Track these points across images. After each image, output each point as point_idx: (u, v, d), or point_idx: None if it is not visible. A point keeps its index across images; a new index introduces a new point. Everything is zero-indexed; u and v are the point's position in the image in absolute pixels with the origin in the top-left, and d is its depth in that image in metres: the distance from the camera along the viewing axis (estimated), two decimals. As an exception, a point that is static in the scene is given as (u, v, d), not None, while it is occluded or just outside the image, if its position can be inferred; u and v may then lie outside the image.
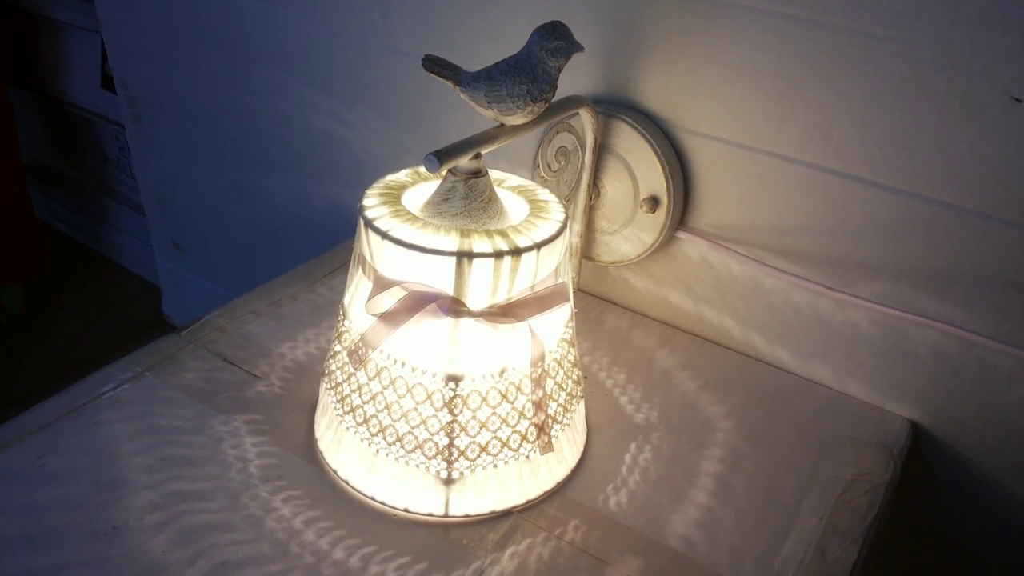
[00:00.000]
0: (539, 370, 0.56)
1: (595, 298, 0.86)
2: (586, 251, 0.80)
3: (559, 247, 0.56)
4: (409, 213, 0.55)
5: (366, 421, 0.57)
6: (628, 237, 0.77)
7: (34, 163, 1.80)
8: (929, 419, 0.72)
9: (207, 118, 1.15)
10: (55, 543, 0.53)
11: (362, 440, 0.57)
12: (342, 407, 0.58)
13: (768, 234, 0.72)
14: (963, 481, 0.73)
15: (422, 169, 0.61)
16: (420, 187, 0.60)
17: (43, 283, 1.66)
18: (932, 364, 0.69)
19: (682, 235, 0.77)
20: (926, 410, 0.71)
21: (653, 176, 0.73)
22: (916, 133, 0.62)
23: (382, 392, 0.56)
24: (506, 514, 0.59)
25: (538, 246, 0.53)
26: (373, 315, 0.54)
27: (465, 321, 0.53)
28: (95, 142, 1.62)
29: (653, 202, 0.74)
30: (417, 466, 0.56)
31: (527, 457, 0.58)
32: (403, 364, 0.55)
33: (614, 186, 0.76)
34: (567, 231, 0.57)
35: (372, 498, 0.58)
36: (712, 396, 0.72)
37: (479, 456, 0.56)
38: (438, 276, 0.52)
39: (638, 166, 0.74)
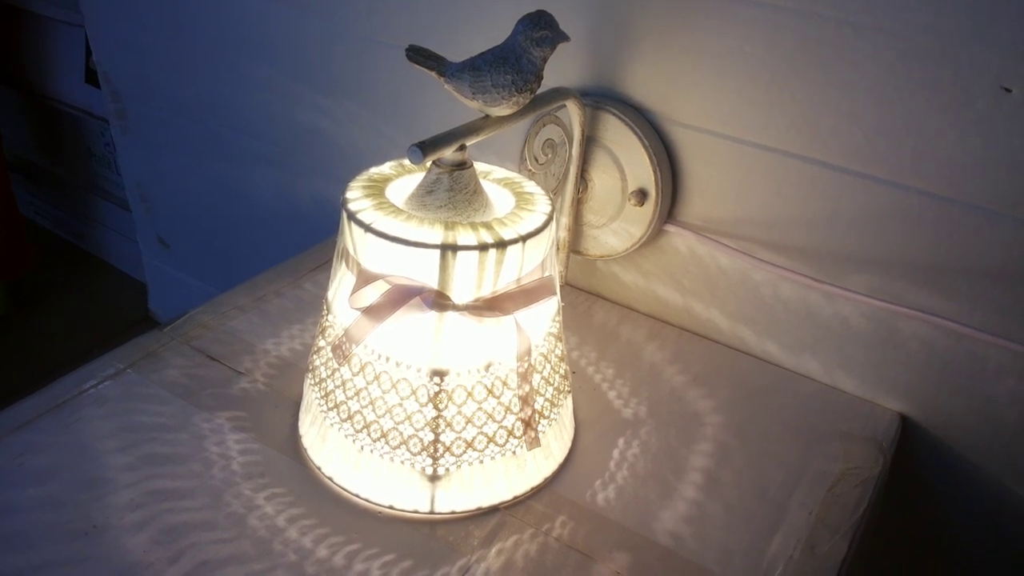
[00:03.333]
0: (525, 364, 0.55)
1: (583, 292, 0.85)
2: (574, 245, 0.80)
3: (545, 240, 0.55)
4: (393, 206, 0.54)
5: (350, 417, 0.56)
6: (616, 231, 0.76)
7: (18, 160, 1.78)
8: (918, 412, 0.71)
9: (192, 113, 1.14)
10: (33, 543, 0.52)
11: (346, 436, 0.57)
12: (326, 403, 0.58)
13: (757, 227, 0.72)
14: (952, 474, 0.73)
15: (406, 161, 0.60)
16: (404, 180, 0.59)
17: (27, 281, 1.65)
18: (922, 357, 0.69)
19: (670, 228, 0.76)
20: (915, 403, 0.71)
21: (641, 169, 0.72)
22: (905, 124, 0.62)
23: (366, 387, 0.55)
24: (493, 510, 0.58)
25: (523, 239, 0.52)
26: (356, 309, 0.53)
27: (450, 315, 0.52)
28: (79, 138, 1.60)
29: (641, 195, 0.73)
30: (402, 462, 0.56)
31: (514, 453, 0.57)
32: (387, 359, 0.54)
33: (602, 179, 0.75)
34: (553, 224, 0.56)
35: (356, 495, 0.58)
36: (701, 390, 0.72)
37: (465, 452, 0.56)
38: (422, 269, 0.51)
39: (626, 159, 0.73)
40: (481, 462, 0.56)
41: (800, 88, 0.65)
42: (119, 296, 1.66)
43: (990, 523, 0.73)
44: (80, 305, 1.64)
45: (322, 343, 0.59)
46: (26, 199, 1.84)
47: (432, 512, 0.57)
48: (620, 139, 0.72)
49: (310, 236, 0.93)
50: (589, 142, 0.74)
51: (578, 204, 0.77)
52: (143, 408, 0.63)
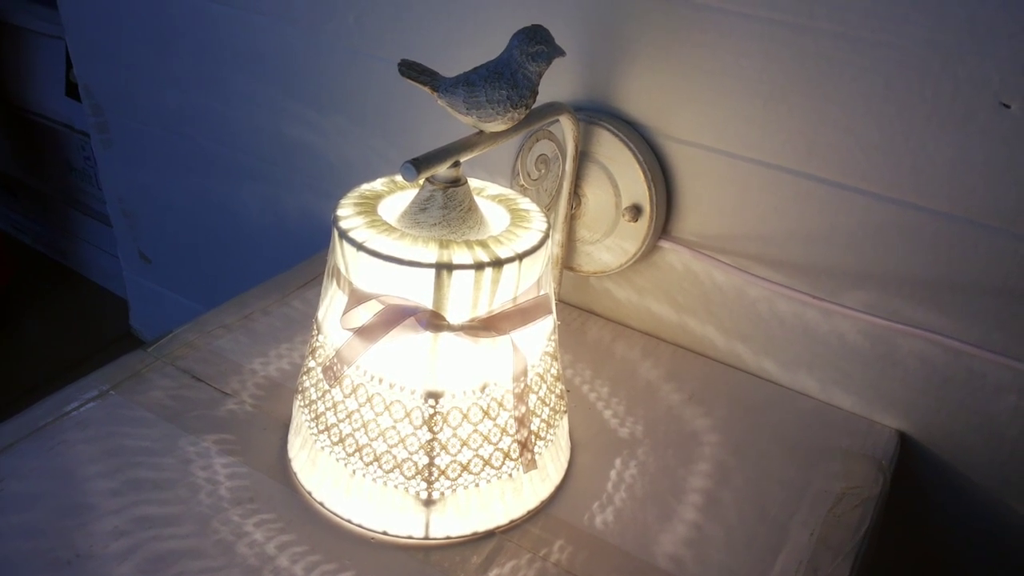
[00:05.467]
0: (521, 385, 0.54)
1: (576, 309, 0.84)
2: (567, 261, 0.79)
3: (541, 258, 0.54)
4: (385, 224, 0.53)
5: (342, 440, 0.54)
6: (610, 246, 0.75)
7: (-3, 174, 1.76)
8: (917, 430, 0.70)
9: (176, 126, 1.12)
10: (14, 573, 0.50)
11: (338, 460, 0.55)
12: (316, 426, 0.56)
13: (753, 243, 0.71)
14: (952, 492, 0.72)
15: (399, 178, 0.59)
16: (397, 196, 0.58)
17: (6, 297, 1.62)
18: (920, 374, 0.68)
19: (665, 244, 0.75)
20: (914, 421, 0.70)
21: (635, 184, 0.71)
22: (903, 139, 0.61)
23: (358, 410, 0.53)
24: (489, 535, 0.57)
25: (520, 257, 0.51)
26: (348, 330, 0.52)
27: (445, 336, 0.51)
28: (60, 152, 1.58)
29: (635, 211, 0.72)
30: (396, 487, 0.54)
31: (510, 475, 0.56)
32: (380, 381, 0.52)
33: (595, 195, 0.74)
34: (549, 241, 0.55)
35: (349, 521, 0.56)
36: (697, 409, 0.71)
37: (460, 475, 0.54)
38: (416, 289, 0.50)
39: (620, 174, 0.72)
40: (477, 485, 0.55)
41: (797, 103, 0.64)
42: (100, 312, 1.63)
43: (991, 540, 0.72)
44: (60, 321, 1.61)
45: (312, 364, 0.57)
46: (4, 213, 1.82)
47: (427, 538, 0.55)
48: (614, 154, 0.72)
49: (298, 252, 0.92)
50: (583, 157, 0.73)
51: (571, 220, 0.76)
52: (127, 431, 0.62)
